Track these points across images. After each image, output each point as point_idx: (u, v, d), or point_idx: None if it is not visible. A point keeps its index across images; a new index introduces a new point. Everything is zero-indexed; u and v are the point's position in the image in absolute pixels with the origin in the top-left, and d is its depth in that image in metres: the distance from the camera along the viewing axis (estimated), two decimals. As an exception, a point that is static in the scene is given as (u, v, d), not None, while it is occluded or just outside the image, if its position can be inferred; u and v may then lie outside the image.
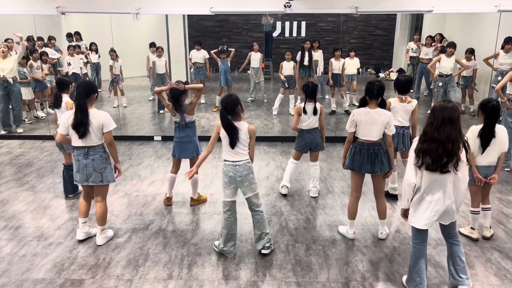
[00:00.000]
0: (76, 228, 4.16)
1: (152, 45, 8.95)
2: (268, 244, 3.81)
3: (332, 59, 8.53)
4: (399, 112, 4.66)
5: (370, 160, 3.86)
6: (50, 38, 8.93)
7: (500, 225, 4.35)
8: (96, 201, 3.98)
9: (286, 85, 8.40)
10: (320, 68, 9.08)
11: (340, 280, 3.46)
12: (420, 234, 3.16)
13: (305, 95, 4.77)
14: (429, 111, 3.54)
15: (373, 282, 3.45)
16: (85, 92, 3.69)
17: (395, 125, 4.70)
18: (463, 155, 2.92)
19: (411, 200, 3.10)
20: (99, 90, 9.82)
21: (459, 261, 3.21)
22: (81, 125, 3.66)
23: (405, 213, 3.18)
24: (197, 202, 4.85)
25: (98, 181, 3.83)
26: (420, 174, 3.01)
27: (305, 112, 4.74)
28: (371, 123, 3.83)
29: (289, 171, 5.09)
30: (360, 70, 9.08)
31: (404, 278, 3.41)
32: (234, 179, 3.63)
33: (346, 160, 4.02)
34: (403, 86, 4.62)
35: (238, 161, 3.61)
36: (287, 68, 8.33)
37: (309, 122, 4.79)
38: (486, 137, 3.79)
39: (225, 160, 3.66)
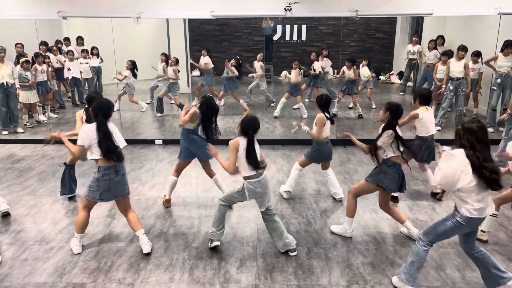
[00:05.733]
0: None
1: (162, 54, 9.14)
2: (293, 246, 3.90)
3: (344, 68, 8.60)
4: (427, 122, 4.80)
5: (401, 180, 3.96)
6: (58, 42, 9.06)
7: (502, 228, 4.35)
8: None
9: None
10: (329, 75, 9.15)
11: (342, 283, 3.46)
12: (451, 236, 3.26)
13: (319, 106, 4.71)
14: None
15: (374, 285, 3.44)
16: (106, 116, 3.70)
17: (423, 137, 4.83)
18: None
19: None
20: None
21: (495, 262, 3.25)
22: (113, 152, 3.68)
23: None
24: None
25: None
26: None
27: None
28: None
29: (293, 177, 5.09)
30: (371, 78, 9.09)
31: (395, 278, 3.43)
32: (261, 193, 3.70)
33: (376, 176, 3.95)
34: (427, 98, 4.82)
35: (261, 174, 3.71)
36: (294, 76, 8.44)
37: (326, 132, 4.80)
38: None
39: (248, 178, 3.67)
